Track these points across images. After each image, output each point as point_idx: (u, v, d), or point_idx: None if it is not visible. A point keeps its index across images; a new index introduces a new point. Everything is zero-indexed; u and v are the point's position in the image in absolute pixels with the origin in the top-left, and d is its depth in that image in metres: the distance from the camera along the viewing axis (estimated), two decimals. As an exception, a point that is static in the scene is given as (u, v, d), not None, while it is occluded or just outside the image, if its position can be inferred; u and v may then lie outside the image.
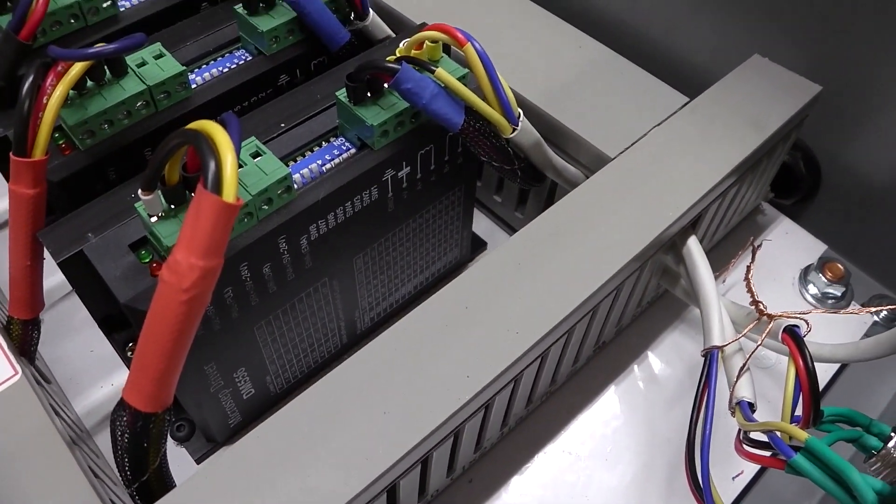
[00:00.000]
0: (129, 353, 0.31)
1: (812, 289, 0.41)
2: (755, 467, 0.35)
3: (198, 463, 0.34)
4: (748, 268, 0.32)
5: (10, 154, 0.26)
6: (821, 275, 0.41)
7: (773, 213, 0.44)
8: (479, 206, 0.43)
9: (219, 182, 0.20)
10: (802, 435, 0.24)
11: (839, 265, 0.41)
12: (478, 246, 0.41)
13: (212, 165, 0.21)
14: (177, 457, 0.34)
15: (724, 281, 0.39)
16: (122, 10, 0.35)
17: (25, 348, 0.30)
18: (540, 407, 0.36)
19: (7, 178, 0.32)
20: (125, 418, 0.23)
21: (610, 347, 0.38)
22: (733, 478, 0.34)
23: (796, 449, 0.24)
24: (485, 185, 0.42)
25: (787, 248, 0.42)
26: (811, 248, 0.42)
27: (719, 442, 0.30)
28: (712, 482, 0.28)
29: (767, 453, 0.26)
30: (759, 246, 0.32)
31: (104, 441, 0.35)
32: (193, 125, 0.22)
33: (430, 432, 0.25)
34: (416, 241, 0.35)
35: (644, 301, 0.38)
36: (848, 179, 0.44)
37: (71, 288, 0.39)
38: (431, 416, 0.26)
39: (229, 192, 0.21)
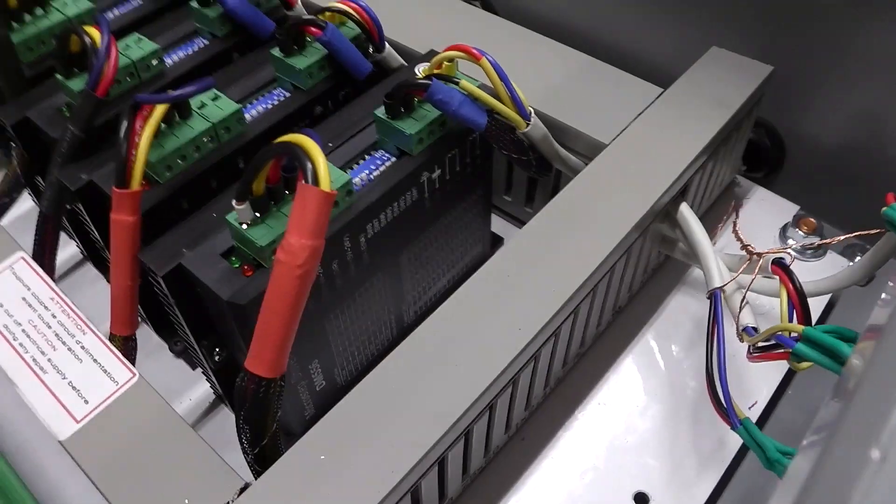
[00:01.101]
0: (217, 357, 0.35)
1: (791, 243, 0.46)
2: (766, 397, 0.40)
3: (279, 455, 0.38)
4: (734, 223, 0.38)
5: (113, 188, 0.31)
6: (797, 229, 0.46)
7: (748, 183, 0.50)
8: (492, 207, 0.48)
9: (317, 176, 0.25)
10: (799, 327, 0.29)
11: (812, 219, 0.47)
12: (496, 241, 0.46)
13: (309, 165, 0.26)
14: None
15: (715, 244, 0.44)
16: (167, 66, 0.39)
17: (130, 362, 0.34)
18: (573, 369, 0.41)
19: (90, 220, 0.36)
20: (248, 385, 0.27)
21: (625, 312, 0.43)
22: (749, 408, 0.39)
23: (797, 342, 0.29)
24: (495, 188, 0.47)
25: (764, 212, 0.48)
26: (785, 209, 0.48)
27: (732, 380, 0.35)
28: (733, 399, 0.33)
29: (774, 351, 0.31)
30: (741, 205, 0.37)
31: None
32: (282, 139, 0.27)
33: (495, 378, 0.30)
34: (447, 238, 0.40)
35: (649, 267, 0.43)
36: (809, 147, 0.50)
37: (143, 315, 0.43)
38: (492, 366, 0.30)
39: (326, 183, 0.25)
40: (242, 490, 0.28)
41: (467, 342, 0.31)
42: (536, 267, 0.34)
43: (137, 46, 0.38)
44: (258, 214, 0.30)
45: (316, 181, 0.25)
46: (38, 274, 0.35)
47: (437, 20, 0.47)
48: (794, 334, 0.30)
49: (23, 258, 0.35)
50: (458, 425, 0.30)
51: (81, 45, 0.35)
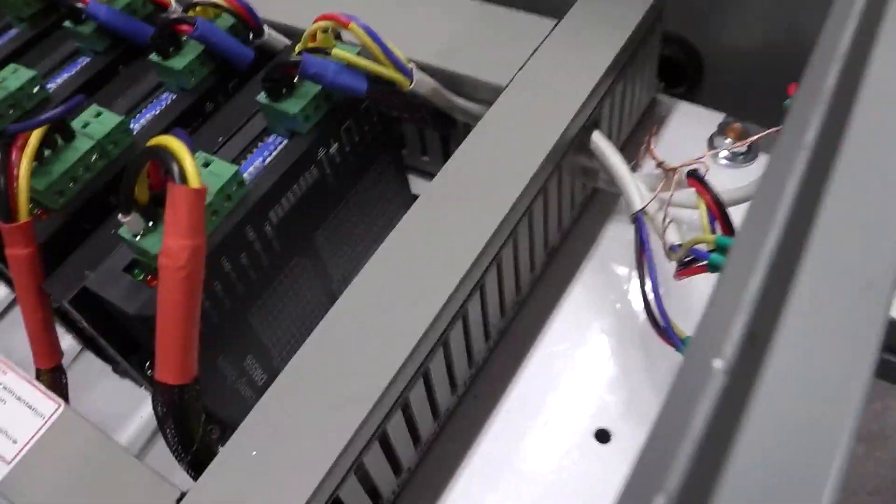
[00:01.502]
0: (149, 371, 0.35)
1: (722, 153, 0.46)
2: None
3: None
4: (648, 141, 0.37)
5: (0, 224, 0.30)
6: (724, 137, 0.46)
7: (670, 101, 0.49)
8: (412, 170, 0.47)
9: (184, 174, 0.25)
10: (711, 238, 0.29)
11: (737, 124, 0.46)
12: (422, 204, 0.45)
13: (174, 165, 0.25)
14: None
15: (641, 168, 0.44)
16: (49, 90, 0.39)
17: (59, 394, 0.34)
18: (515, 318, 0.40)
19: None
20: (164, 397, 0.27)
21: (560, 252, 0.43)
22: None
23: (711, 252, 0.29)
24: (411, 151, 0.47)
25: (688, 124, 0.47)
26: (711, 119, 0.47)
27: (673, 303, 0.34)
28: (673, 322, 0.33)
29: (694, 266, 0.30)
30: (660, 124, 0.37)
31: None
32: (150, 142, 0.26)
33: (420, 338, 0.30)
34: (363, 210, 0.39)
35: (576, 202, 0.42)
36: (726, 53, 0.49)
37: (80, 348, 0.43)
38: (415, 328, 0.30)
39: (193, 180, 0.25)
40: (180, 499, 0.27)
41: (387, 309, 0.31)
42: (448, 219, 0.33)
43: (14, 76, 0.37)
44: (150, 223, 0.29)
45: (184, 179, 0.25)
46: (-47, 323, 0.34)
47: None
48: (709, 245, 0.29)
49: (-63, 310, 0.35)
50: (391, 391, 0.30)
51: (-51, 86, 0.34)
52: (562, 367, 0.39)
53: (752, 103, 0.49)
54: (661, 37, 0.45)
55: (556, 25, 0.41)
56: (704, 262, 0.29)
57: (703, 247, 0.30)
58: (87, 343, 0.40)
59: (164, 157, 0.25)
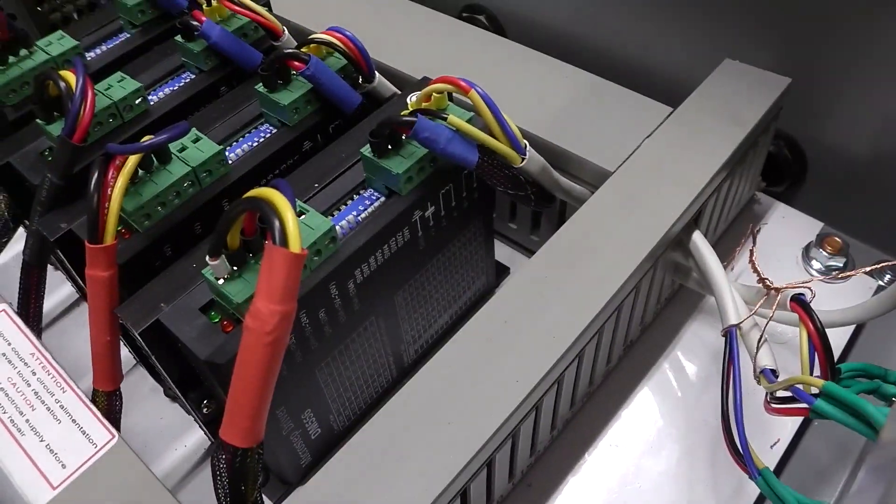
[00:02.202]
0: (206, 410, 0.34)
1: (815, 264, 0.44)
2: (790, 434, 0.37)
3: (276, 504, 0.37)
4: (751, 251, 0.36)
5: (86, 242, 0.30)
6: (821, 250, 0.44)
7: (768, 200, 0.47)
8: (497, 235, 0.46)
9: (285, 236, 0.24)
10: (819, 382, 0.27)
11: (837, 238, 0.44)
12: (501, 272, 0.44)
13: (276, 224, 0.24)
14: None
15: (732, 269, 0.42)
16: (151, 104, 0.38)
17: (111, 418, 0.33)
18: (582, 408, 0.39)
19: (72, 268, 0.35)
20: (225, 456, 0.26)
21: (637, 346, 0.41)
22: (771, 446, 0.37)
23: (817, 396, 0.27)
24: (499, 215, 0.45)
25: (786, 230, 0.45)
26: (809, 227, 0.45)
27: (753, 415, 0.33)
28: (751, 447, 0.31)
29: (793, 406, 0.28)
30: (759, 230, 0.35)
31: (184, 497, 0.38)
32: (251, 193, 0.25)
33: (492, 434, 0.28)
34: (446, 274, 0.38)
35: (662, 297, 0.41)
36: (832, 158, 0.47)
37: (135, 362, 0.42)
38: (490, 420, 0.29)
39: (295, 244, 0.24)
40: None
41: (463, 394, 0.30)
42: (537, 309, 0.32)
43: (119, 86, 0.36)
44: (236, 268, 0.28)
45: (284, 241, 0.24)
46: (19, 328, 0.33)
47: (435, 43, 0.45)
48: (814, 388, 0.27)
49: (4, 311, 0.34)
50: (455, 483, 0.28)
51: (58, 90, 0.34)
52: (622, 466, 0.37)
53: (852, 214, 0.47)
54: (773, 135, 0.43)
55: (671, 113, 0.39)
56: (806, 406, 0.28)
57: (804, 387, 0.28)
58: (143, 362, 0.39)
59: (266, 213, 0.24)
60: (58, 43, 0.40)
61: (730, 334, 0.34)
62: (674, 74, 0.49)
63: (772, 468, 0.36)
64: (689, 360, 0.40)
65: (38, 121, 0.35)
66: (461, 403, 0.29)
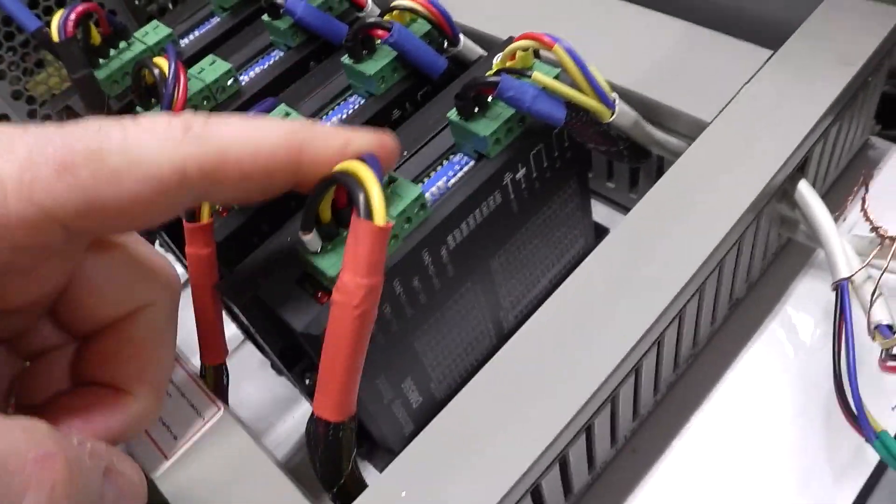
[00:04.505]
0: (307, 381, 0.35)
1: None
2: (914, 393, 0.35)
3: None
4: (863, 199, 0.34)
5: (184, 221, 0.31)
6: (945, 193, 0.41)
7: (885, 145, 0.44)
8: (595, 195, 0.45)
9: (370, 209, 0.24)
10: (942, 337, 0.25)
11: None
12: (601, 233, 0.43)
13: (361, 197, 0.24)
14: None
15: (844, 219, 0.40)
16: (242, 83, 0.39)
17: (219, 391, 0.34)
18: (688, 370, 0.37)
19: (177, 249, 0.36)
20: (318, 430, 0.26)
21: (744, 304, 0.39)
22: (893, 408, 0.35)
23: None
24: (597, 175, 0.44)
25: (905, 175, 0.42)
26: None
27: (870, 375, 0.31)
28: (866, 409, 0.30)
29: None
30: (872, 176, 0.33)
31: (294, 466, 0.39)
32: (339, 166, 0.25)
33: (587, 400, 0.28)
34: (543, 237, 0.37)
35: (769, 252, 0.39)
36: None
37: (242, 338, 0.44)
38: (588, 382, 0.28)
39: (380, 217, 0.24)
40: (324, 529, 0.27)
41: (558, 359, 0.29)
42: (633, 268, 0.31)
43: (211, 68, 0.37)
44: (327, 242, 0.29)
45: (369, 214, 0.24)
46: (130, 308, 0.35)
47: (521, 1, 0.44)
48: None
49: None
50: (552, 449, 0.28)
51: (153, 77, 0.35)
52: (729, 430, 0.36)
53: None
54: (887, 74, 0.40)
55: (771, 56, 0.37)
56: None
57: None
58: (250, 337, 0.40)
59: (351, 187, 0.24)
60: (153, 32, 0.41)
61: (841, 288, 0.32)
62: (773, 14, 0.47)
63: (892, 432, 0.34)
64: (800, 317, 0.38)
65: (137, 108, 0.37)
66: (556, 368, 0.29)
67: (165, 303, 0.26)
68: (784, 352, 0.37)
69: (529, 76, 0.31)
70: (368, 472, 0.37)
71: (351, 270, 0.24)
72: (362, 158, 0.25)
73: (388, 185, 0.30)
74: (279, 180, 0.24)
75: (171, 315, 0.26)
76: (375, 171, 0.25)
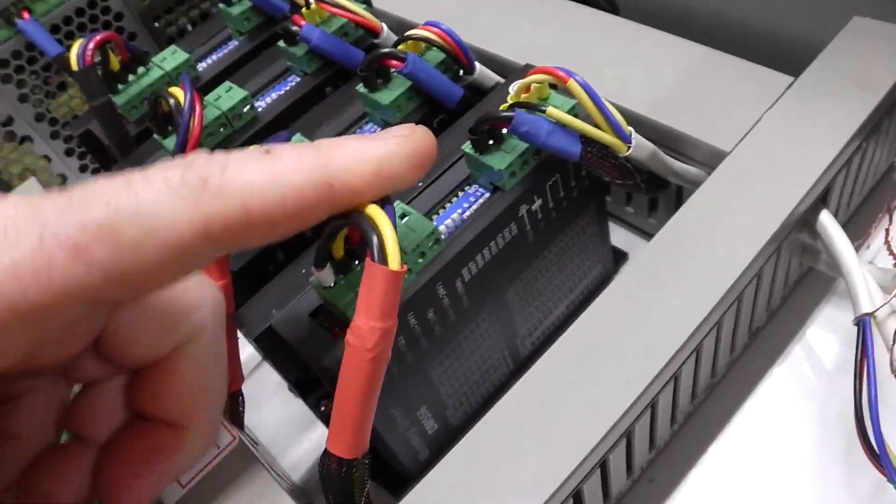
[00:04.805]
0: (323, 409, 0.35)
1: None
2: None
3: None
4: (886, 230, 0.33)
5: (200, 256, 0.31)
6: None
7: (910, 168, 0.44)
8: (613, 219, 0.45)
9: (384, 254, 0.24)
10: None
11: None
12: (619, 258, 0.42)
13: (375, 241, 0.24)
14: (376, 497, 0.37)
15: (868, 247, 0.39)
16: (259, 110, 0.39)
17: (235, 418, 0.35)
18: (705, 401, 0.37)
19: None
20: (331, 466, 0.26)
21: (764, 333, 0.39)
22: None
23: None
24: (615, 199, 0.44)
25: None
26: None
27: (893, 412, 0.30)
28: (888, 447, 0.29)
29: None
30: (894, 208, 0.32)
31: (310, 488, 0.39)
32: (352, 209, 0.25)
33: (606, 433, 0.28)
34: (560, 265, 0.37)
35: (790, 281, 0.38)
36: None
37: (260, 359, 0.44)
38: (604, 418, 0.28)
39: (394, 262, 0.24)
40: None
41: (574, 392, 0.29)
42: (652, 301, 0.31)
43: (227, 96, 0.37)
44: (342, 276, 0.29)
45: (384, 259, 0.24)
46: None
47: (538, 26, 0.44)
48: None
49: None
50: (568, 484, 0.28)
51: (168, 107, 0.35)
52: (746, 461, 0.35)
53: None
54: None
55: (792, 83, 0.37)
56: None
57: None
58: (267, 358, 0.40)
59: (364, 229, 0.24)
60: (171, 58, 0.42)
61: (863, 323, 0.31)
62: (795, 39, 0.46)
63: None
64: (821, 346, 0.38)
65: (154, 136, 0.37)
66: (572, 402, 0.29)
67: (208, 334, 0.25)
68: (804, 381, 0.37)
69: (544, 111, 0.30)
70: (385, 500, 0.37)
71: (364, 314, 0.24)
72: (377, 203, 0.25)
73: (401, 219, 0.30)
74: (313, 217, 0.23)
75: (215, 343, 0.25)
76: (389, 212, 0.24)
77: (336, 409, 0.25)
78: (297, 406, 0.43)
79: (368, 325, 0.24)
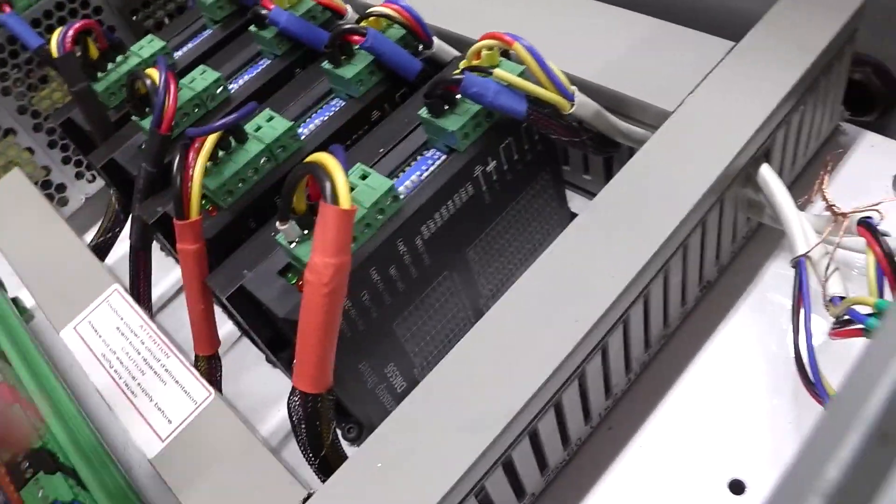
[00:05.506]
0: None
1: (885, 197, 0.42)
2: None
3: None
4: (821, 177, 0.35)
5: (174, 220, 0.33)
6: (913, 176, 0.42)
7: (855, 130, 0.45)
8: (573, 188, 0.47)
9: (335, 194, 0.26)
10: (871, 300, 0.26)
11: (930, 163, 0.42)
12: (577, 223, 0.44)
13: (327, 183, 0.26)
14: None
15: (813, 202, 0.41)
16: (231, 91, 0.41)
17: (212, 380, 0.36)
18: (661, 352, 0.39)
19: (172, 248, 0.38)
20: (297, 402, 0.28)
21: (716, 287, 0.41)
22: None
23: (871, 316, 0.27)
24: (573, 168, 0.46)
25: (876, 159, 0.44)
26: (900, 153, 0.44)
27: (836, 352, 0.32)
28: (823, 375, 0.31)
29: (850, 328, 0.28)
30: (830, 158, 0.34)
31: (289, 455, 0.41)
32: (308, 158, 0.28)
33: (555, 369, 0.29)
34: (519, 227, 0.39)
35: (738, 236, 0.40)
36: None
37: (239, 334, 0.46)
38: (554, 355, 0.30)
39: (344, 201, 0.26)
40: (306, 499, 0.29)
41: (526, 334, 0.31)
42: (600, 248, 0.33)
43: (201, 78, 0.40)
44: (305, 231, 0.31)
45: (334, 199, 0.26)
46: (129, 304, 0.37)
47: (493, 4, 0.46)
48: (867, 308, 0.27)
49: (117, 291, 0.38)
50: (519, 420, 0.29)
51: (145, 87, 0.37)
52: (703, 407, 0.37)
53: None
54: (850, 60, 0.42)
55: (733, 47, 0.39)
56: (861, 327, 0.27)
57: (862, 308, 0.28)
58: (245, 332, 0.42)
59: (318, 175, 0.26)
60: (148, 46, 0.44)
61: (799, 264, 0.33)
62: (736, 7, 0.48)
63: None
64: (771, 299, 0.40)
65: (132, 117, 0.39)
66: (523, 342, 0.30)
67: None
68: (755, 331, 0.39)
69: (491, 73, 0.33)
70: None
71: (320, 252, 0.26)
72: (330, 149, 0.27)
73: (362, 179, 0.32)
74: None
75: None
76: (340, 158, 0.27)
77: (299, 346, 0.27)
78: (274, 378, 0.45)
79: (323, 262, 0.26)
